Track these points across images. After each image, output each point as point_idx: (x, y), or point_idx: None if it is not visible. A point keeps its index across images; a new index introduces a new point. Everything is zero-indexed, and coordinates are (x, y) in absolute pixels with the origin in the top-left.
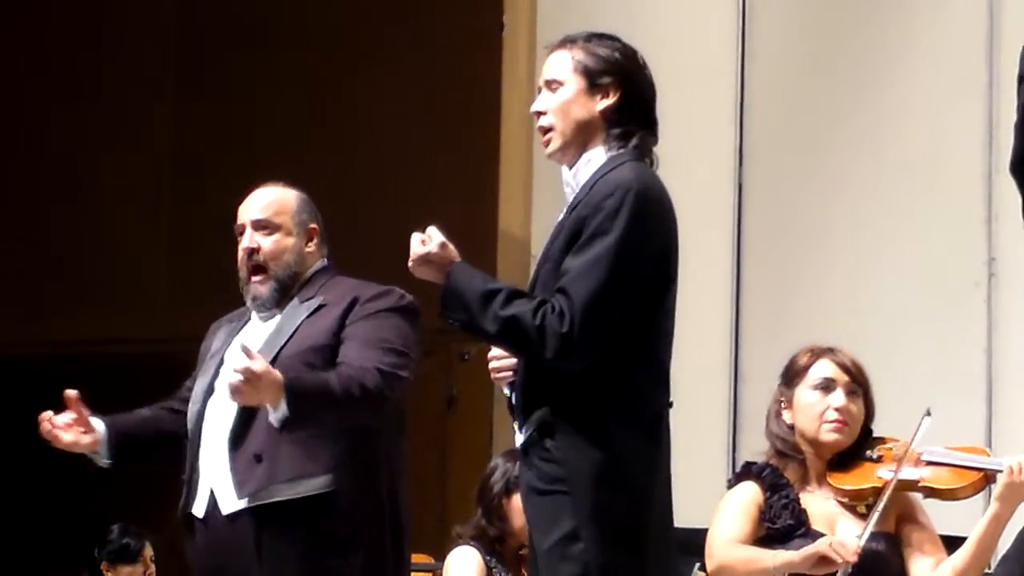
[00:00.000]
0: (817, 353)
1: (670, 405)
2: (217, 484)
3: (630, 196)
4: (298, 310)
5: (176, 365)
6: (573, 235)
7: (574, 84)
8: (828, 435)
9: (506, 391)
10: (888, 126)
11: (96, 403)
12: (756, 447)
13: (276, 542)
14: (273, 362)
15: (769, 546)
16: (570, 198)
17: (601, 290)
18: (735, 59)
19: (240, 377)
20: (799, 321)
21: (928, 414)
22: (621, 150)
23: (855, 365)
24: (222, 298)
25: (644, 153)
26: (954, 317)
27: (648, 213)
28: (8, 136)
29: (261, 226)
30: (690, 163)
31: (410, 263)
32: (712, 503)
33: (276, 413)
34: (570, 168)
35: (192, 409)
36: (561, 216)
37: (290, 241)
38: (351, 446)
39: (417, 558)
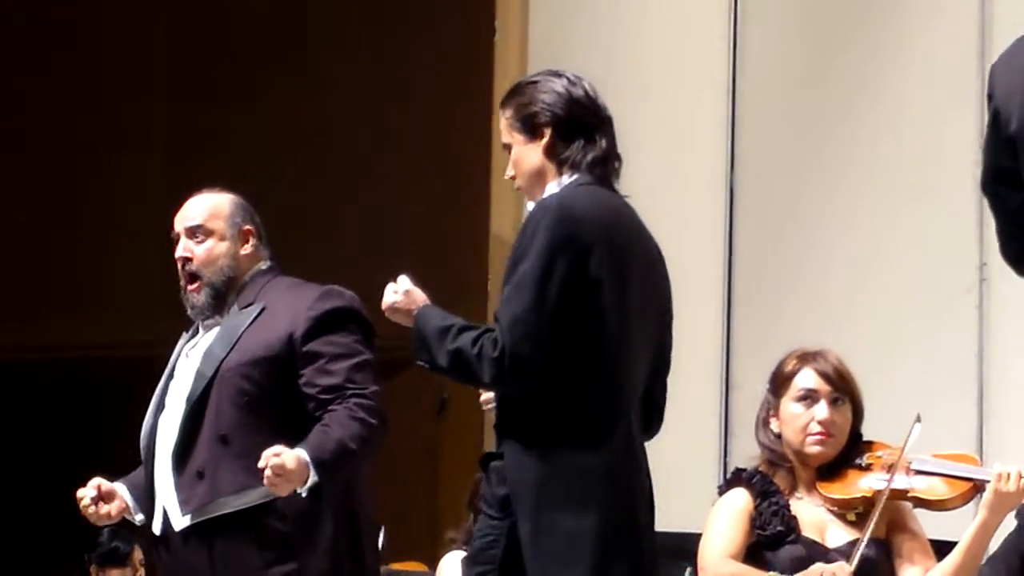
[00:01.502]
0: (801, 360)
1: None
2: (167, 502)
3: (547, 215)
4: (239, 317)
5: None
6: (512, 263)
7: (517, 141)
8: (812, 448)
9: None
10: (880, 133)
11: (93, 407)
12: (748, 453)
13: (226, 554)
14: (215, 375)
15: (760, 553)
16: None
17: (525, 312)
18: (727, 66)
19: (271, 474)
20: (790, 327)
21: (918, 420)
22: (573, 175)
23: (838, 372)
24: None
25: (593, 167)
26: (945, 322)
27: (563, 226)
28: (6, 139)
29: (192, 233)
30: (681, 170)
31: (384, 311)
32: (704, 508)
33: (305, 486)
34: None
35: (145, 425)
36: None
37: (224, 246)
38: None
39: (409, 565)
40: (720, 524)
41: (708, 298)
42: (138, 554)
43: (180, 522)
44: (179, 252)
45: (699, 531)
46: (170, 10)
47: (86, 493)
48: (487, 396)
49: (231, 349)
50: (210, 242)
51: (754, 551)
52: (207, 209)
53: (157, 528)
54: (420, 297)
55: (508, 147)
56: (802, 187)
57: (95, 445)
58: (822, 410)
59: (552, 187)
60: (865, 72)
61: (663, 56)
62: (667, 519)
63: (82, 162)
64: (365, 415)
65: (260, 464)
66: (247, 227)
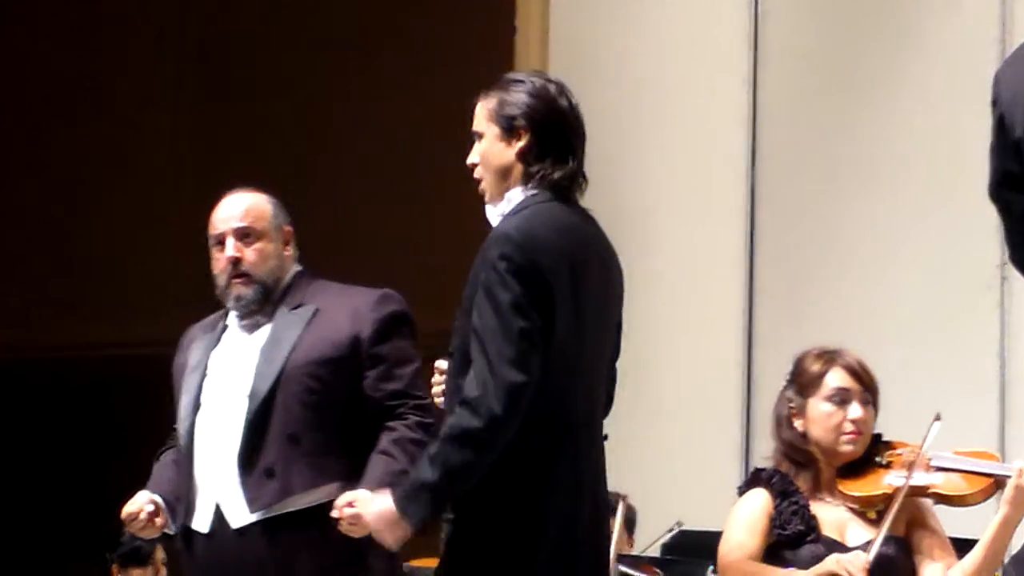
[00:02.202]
0: (828, 360)
1: (605, 437)
2: (225, 499)
3: (508, 243)
4: (290, 318)
5: None
6: (474, 281)
7: (490, 133)
8: (845, 447)
9: None
10: (900, 130)
11: (116, 404)
12: (769, 451)
13: (291, 552)
14: (280, 375)
15: (780, 552)
16: None
17: (499, 345)
18: (747, 63)
19: (348, 523)
20: (812, 325)
21: (938, 418)
22: (537, 189)
23: (866, 372)
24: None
25: (560, 187)
26: (966, 321)
27: (530, 264)
28: (31, 141)
29: (243, 234)
30: (703, 166)
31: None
32: (725, 507)
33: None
34: (494, 207)
35: (181, 426)
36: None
37: (271, 247)
38: (360, 458)
39: (427, 562)
40: (740, 524)
41: (730, 297)
42: (160, 554)
43: (241, 519)
44: (229, 252)
45: (721, 529)
46: (197, 11)
47: (143, 508)
48: (440, 388)
49: (293, 348)
50: (260, 243)
51: (774, 551)
52: (252, 210)
53: (204, 526)
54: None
55: (478, 135)
56: (823, 184)
57: (116, 444)
58: (856, 409)
59: (515, 192)
60: (886, 68)
61: (684, 52)
62: (690, 518)
63: (106, 161)
64: (422, 435)
65: (334, 514)
66: (287, 228)
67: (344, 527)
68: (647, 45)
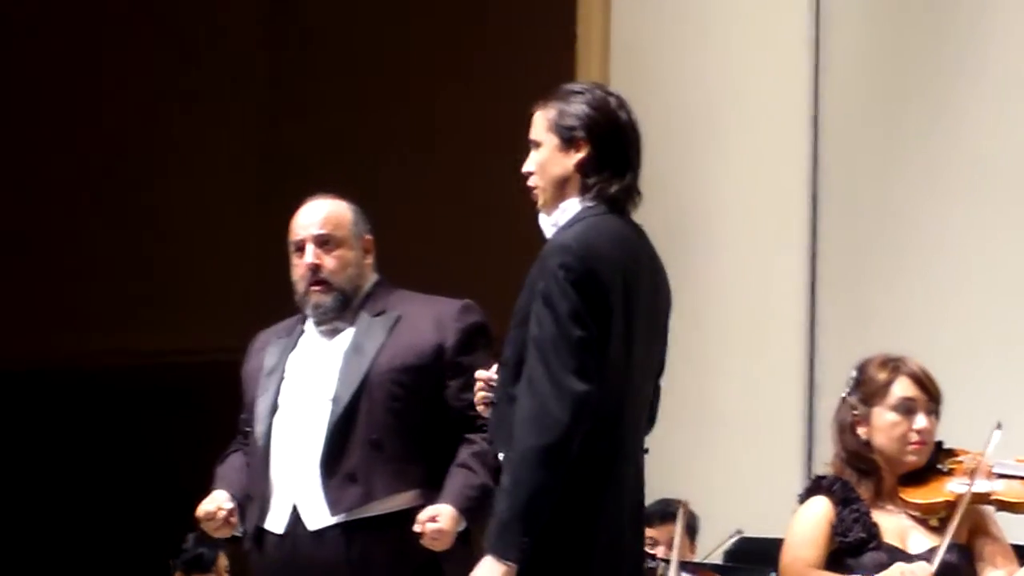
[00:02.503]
0: (893, 368)
1: (646, 451)
2: (303, 501)
3: (566, 253)
4: (373, 325)
5: None
6: (530, 291)
7: (549, 142)
8: (910, 457)
9: None
10: (965, 137)
11: (177, 412)
12: (831, 458)
13: (366, 556)
14: (364, 381)
15: (841, 560)
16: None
17: (557, 355)
18: (809, 71)
19: (431, 538)
20: (874, 331)
21: (999, 427)
22: (593, 201)
23: (930, 381)
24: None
25: (616, 201)
26: None
27: (589, 275)
28: (95, 149)
29: (323, 241)
30: (764, 174)
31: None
32: (787, 514)
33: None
34: (548, 216)
35: (258, 428)
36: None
37: (352, 255)
38: (439, 465)
39: None
40: (801, 532)
41: (792, 304)
42: (223, 561)
43: (319, 521)
44: (308, 258)
45: (782, 537)
46: (265, 27)
47: (221, 506)
48: (482, 396)
49: (377, 355)
50: (340, 251)
51: (836, 558)
52: (332, 217)
53: (279, 526)
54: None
55: (536, 144)
56: (886, 193)
57: (179, 451)
58: (922, 420)
59: (571, 203)
60: (951, 70)
61: (745, 60)
62: (751, 525)
63: (172, 171)
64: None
65: (416, 528)
66: (367, 236)
67: (427, 541)
68: (708, 51)
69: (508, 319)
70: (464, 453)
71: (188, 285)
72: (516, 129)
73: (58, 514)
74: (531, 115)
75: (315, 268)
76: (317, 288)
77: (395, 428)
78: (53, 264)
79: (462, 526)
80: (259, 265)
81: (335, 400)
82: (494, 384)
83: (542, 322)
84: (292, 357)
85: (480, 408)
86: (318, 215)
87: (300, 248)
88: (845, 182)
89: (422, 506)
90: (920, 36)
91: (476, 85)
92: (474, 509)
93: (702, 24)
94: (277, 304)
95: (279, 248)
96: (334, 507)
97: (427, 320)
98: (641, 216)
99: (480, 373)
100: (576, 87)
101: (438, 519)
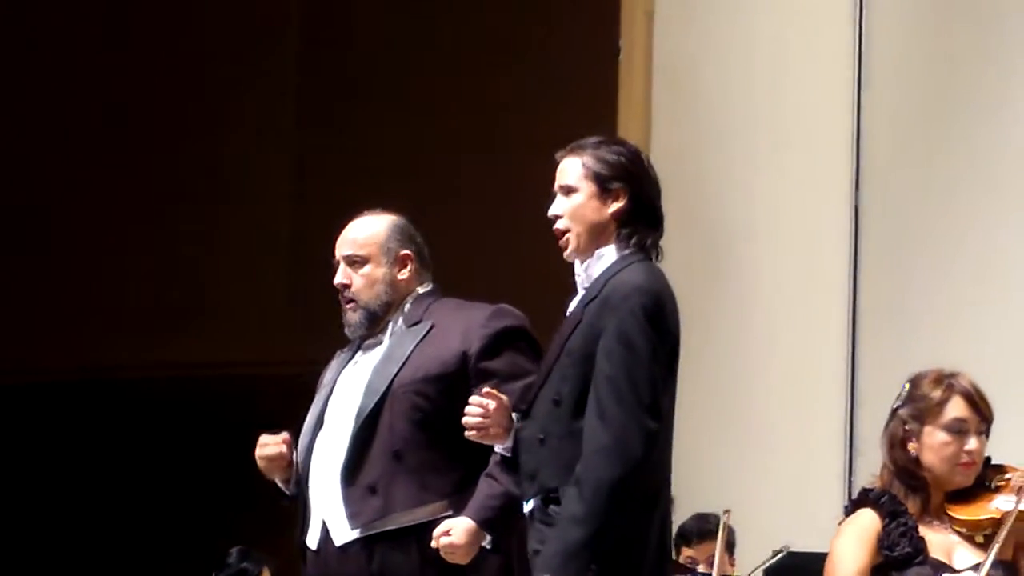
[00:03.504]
0: (947, 387)
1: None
2: (329, 516)
3: (639, 293)
4: (405, 336)
5: (296, 388)
6: (591, 330)
7: (586, 190)
8: (959, 477)
9: (498, 448)
10: (1008, 149)
11: (214, 426)
12: (873, 471)
13: (390, 570)
14: (387, 391)
15: (887, 574)
16: (581, 289)
17: (634, 387)
18: (851, 84)
19: (445, 552)
20: (917, 343)
21: None
22: (629, 250)
23: (983, 400)
24: (339, 324)
25: (650, 252)
26: None
27: (663, 315)
28: (137, 163)
29: (352, 261)
30: (806, 187)
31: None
32: (829, 527)
33: (485, 542)
34: (582, 263)
35: (302, 442)
36: (573, 307)
37: (380, 272)
38: (468, 473)
39: None
40: (847, 545)
41: (834, 314)
42: (267, 574)
43: (343, 536)
44: (337, 279)
45: (825, 551)
46: (296, 41)
47: (283, 439)
48: (475, 421)
49: (402, 366)
50: (367, 268)
51: (881, 572)
52: (364, 237)
53: (313, 543)
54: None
55: (569, 189)
56: (928, 202)
57: (221, 463)
58: (973, 442)
59: (609, 250)
60: (991, 87)
61: (787, 75)
62: (792, 538)
63: (211, 184)
64: None
65: (432, 544)
66: (404, 252)
67: (444, 555)
68: (751, 67)
69: (550, 323)
70: (493, 460)
71: (221, 298)
72: (559, 140)
73: (93, 526)
74: (561, 159)
75: (343, 287)
76: (348, 306)
77: (417, 439)
78: (87, 275)
79: (485, 538)
80: (292, 280)
81: (358, 414)
82: (489, 412)
83: (617, 361)
84: (343, 373)
85: (470, 434)
86: (349, 234)
87: (336, 267)
88: (887, 194)
89: (450, 517)
90: (962, 50)
91: (520, 98)
92: (496, 519)
93: (744, 39)
94: (319, 319)
95: (311, 263)
96: (354, 520)
97: (456, 328)
98: (683, 229)
99: (475, 399)
100: (608, 139)
101: (451, 533)
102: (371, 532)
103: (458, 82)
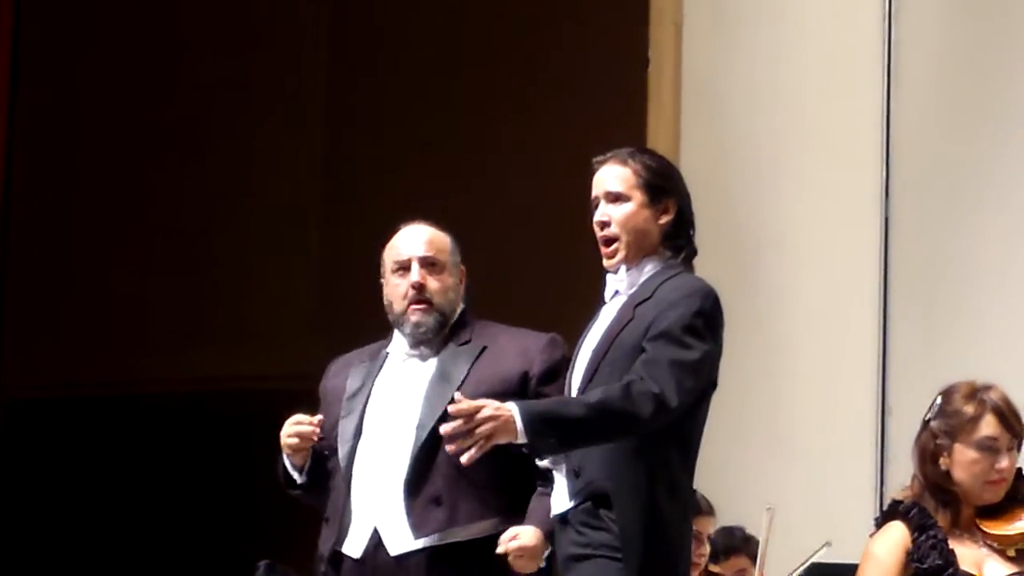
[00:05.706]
0: (979, 402)
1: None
2: (385, 525)
3: (710, 303)
4: (458, 354)
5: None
6: (645, 325)
7: (637, 199)
8: (989, 494)
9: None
10: None
11: (243, 437)
12: (904, 481)
13: None
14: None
15: None
16: (621, 294)
17: (687, 363)
18: (881, 95)
19: (515, 555)
20: (947, 354)
21: None
22: (672, 259)
23: (1015, 416)
24: (370, 335)
25: (689, 260)
26: None
27: (720, 321)
28: (162, 174)
29: (428, 263)
30: (835, 196)
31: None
32: (859, 538)
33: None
34: (627, 270)
35: (343, 449)
36: (617, 310)
37: (451, 280)
38: (520, 493)
39: None
40: (877, 559)
41: (864, 324)
42: None
43: (402, 545)
44: (414, 277)
45: (855, 562)
46: (326, 48)
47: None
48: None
49: (462, 382)
50: (443, 275)
51: None
52: (436, 241)
53: (356, 551)
54: (503, 408)
55: (619, 197)
56: (958, 212)
57: (245, 478)
58: (1004, 460)
59: (654, 261)
60: (1022, 96)
61: (817, 85)
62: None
63: (238, 194)
64: None
65: (499, 550)
66: (463, 266)
67: (513, 561)
68: (780, 79)
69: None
70: (542, 481)
71: (252, 313)
72: (585, 152)
73: (124, 540)
74: (601, 165)
75: (420, 287)
76: (420, 307)
77: (482, 456)
78: (114, 289)
79: (548, 549)
80: (321, 292)
81: (420, 426)
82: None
83: (684, 341)
84: (378, 381)
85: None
86: (423, 236)
87: (404, 268)
88: (917, 202)
89: (502, 533)
90: (994, 60)
91: (548, 109)
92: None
93: (773, 50)
94: (338, 332)
95: (342, 277)
96: (417, 530)
97: (513, 350)
98: (714, 240)
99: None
100: (658, 154)
101: (519, 536)
102: (436, 543)
103: (488, 92)
